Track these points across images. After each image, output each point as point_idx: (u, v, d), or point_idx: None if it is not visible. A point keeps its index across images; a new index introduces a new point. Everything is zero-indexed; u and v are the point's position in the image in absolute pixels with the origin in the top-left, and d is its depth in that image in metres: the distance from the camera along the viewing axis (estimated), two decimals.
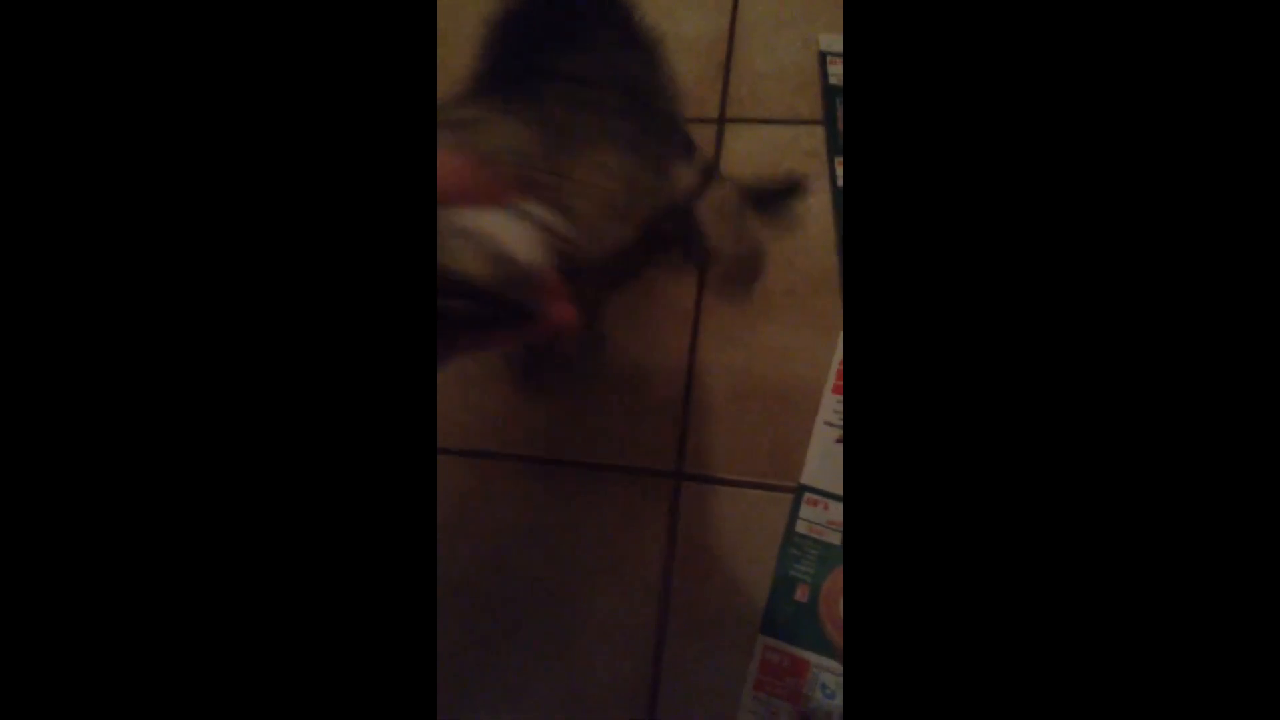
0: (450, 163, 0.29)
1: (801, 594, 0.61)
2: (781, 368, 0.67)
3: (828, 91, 0.74)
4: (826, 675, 0.59)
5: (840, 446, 0.64)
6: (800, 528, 0.62)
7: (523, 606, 0.64)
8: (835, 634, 0.59)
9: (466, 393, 0.70)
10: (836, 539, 0.62)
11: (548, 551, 0.66)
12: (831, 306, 0.68)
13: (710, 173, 0.57)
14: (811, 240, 0.70)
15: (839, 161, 0.72)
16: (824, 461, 0.64)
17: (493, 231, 0.29)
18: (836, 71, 0.75)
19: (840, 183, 0.71)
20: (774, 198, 0.70)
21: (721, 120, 0.76)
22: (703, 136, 0.75)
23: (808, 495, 0.63)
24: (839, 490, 0.63)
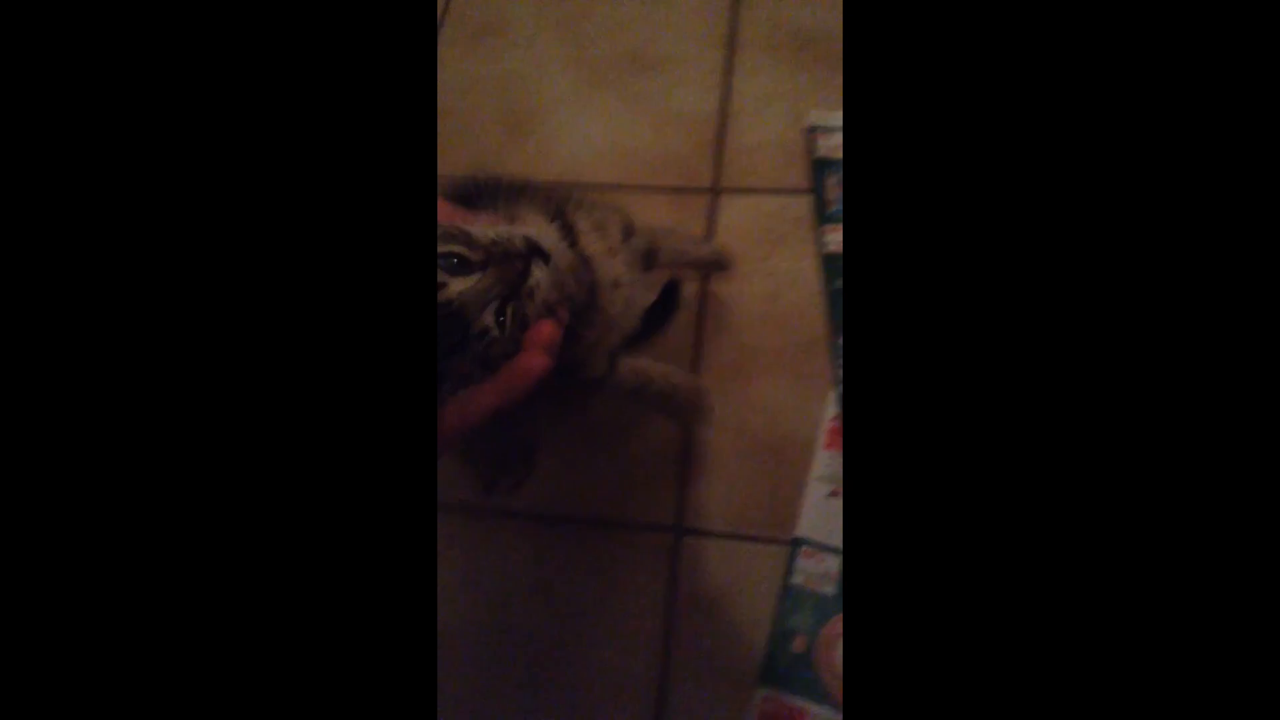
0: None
1: (799, 645, 0.63)
2: (775, 425, 0.70)
3: (815, 164, 0.79)
4: None
5: (833, 501, 0.67)
6: (796, 580, 0.65)
7: (525, 659, 0.66)
8: (832, 683, 0.61)
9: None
10: (832, 590, 0.64)
11: (550, 605, 0.67)
12: (821, 366, 0.71)
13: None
14: (801, 303, 0.74)
15: (826, 229, 0.76)
16: (818, 515, 0.66)
17: None
18: (824, 144, 0.80)
19: (827, 249, 0.75)
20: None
21: (715, 190, 0.81)
22: (697, 206, 0.80)
23: (803, 548, 0.65)
24: (834, 543, 0.65)
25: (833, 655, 0.62)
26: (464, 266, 0.36)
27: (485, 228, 0.38)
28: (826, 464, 0.68)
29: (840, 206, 0.77)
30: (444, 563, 0.69)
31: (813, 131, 0.80)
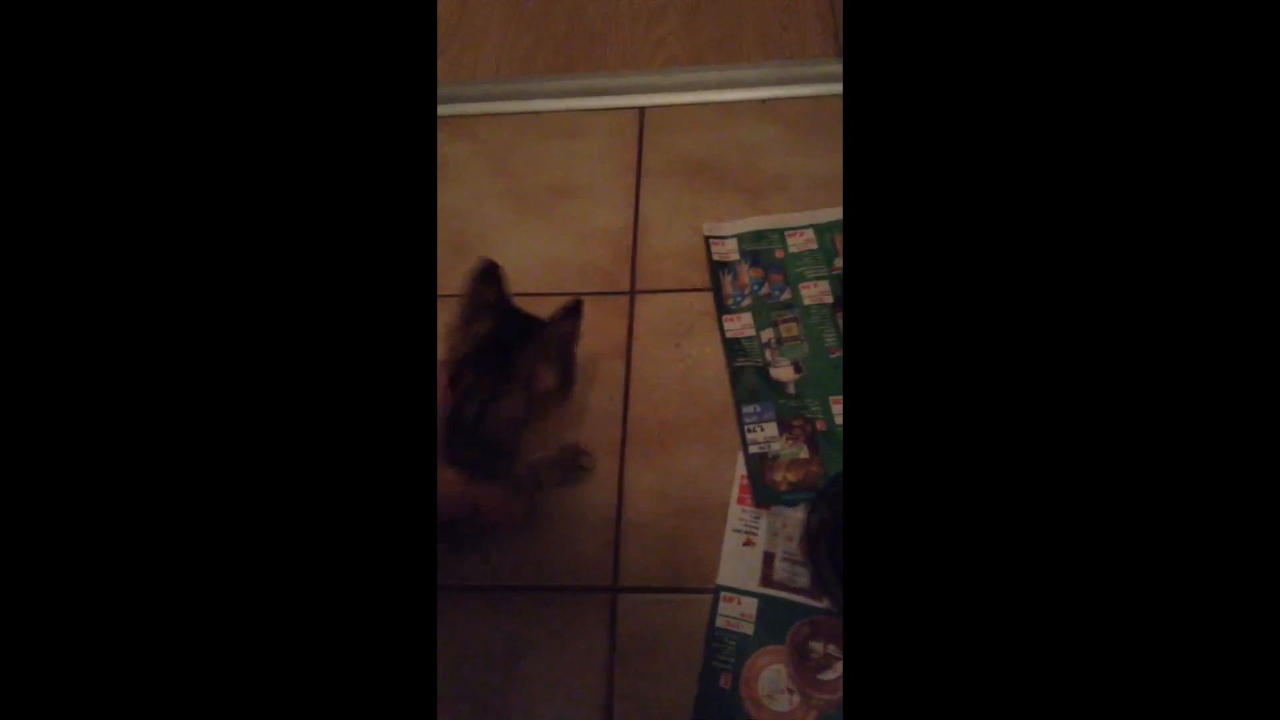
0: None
1: (725, 681, 0.70)
2: (693, 486, 0.80)
3: (713, 265, 0.94)
4: None
5: (746, 550, 0.76)
6: (720, 623, 0.73)
7: (478, 718, 0.71)
8: (757, 713, 0.68)
9: None
10: (750, 629, 0.72)
11: (502, 668, 0.74)
12: (730, 433, 0.83)
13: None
14: (709, 380, 0.87)
15: (726, 318, 0.90)
16: (735, 563, 0.76)
17: None
18: (718, 250, 0.95)
19: (727, 335, 0.89)
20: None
21: (632, 292, 0.95)
22: (619, 306, 0.93)
23: (723, 594, 0.74)
24: (749, 587, 0.74)
25: (754, 688, 0.69)
26: None
27: None
28: (739, 517, 0.78)
29: (736, 300, 0.91)
30: None
31: (709, 240, 0.96)
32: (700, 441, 0.83)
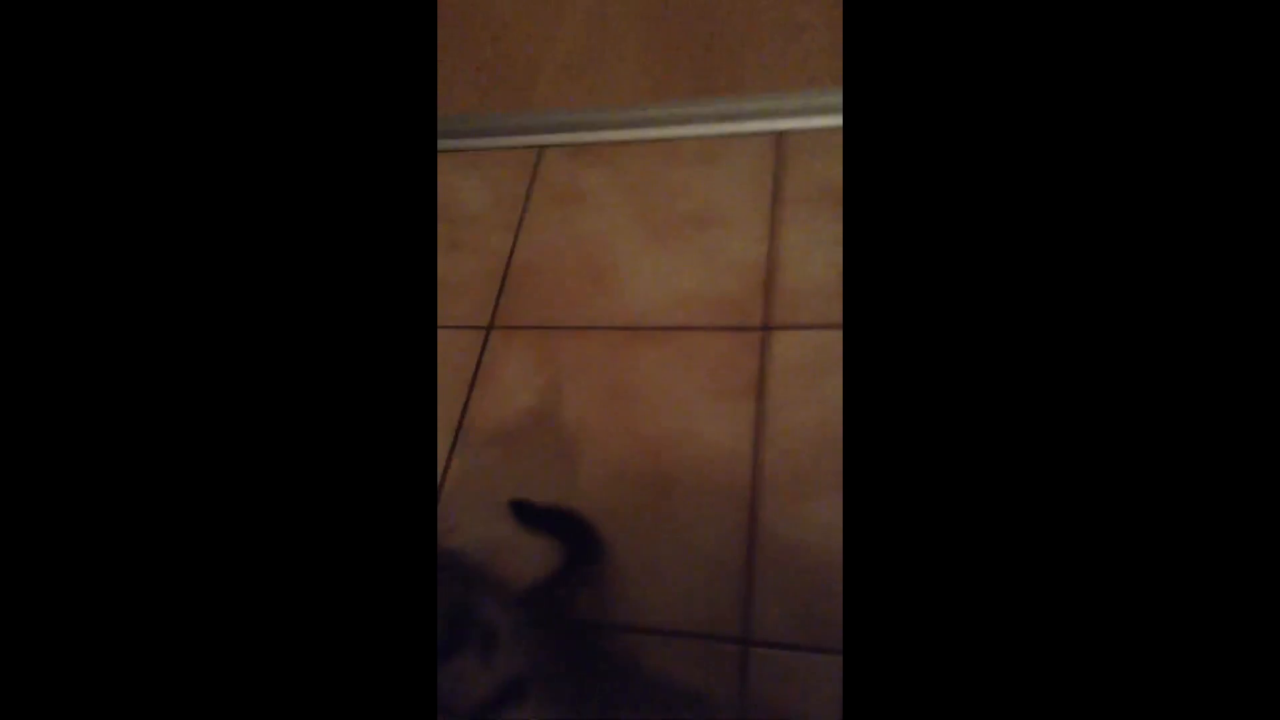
0: None
1: None
2: (831, 540, 0.77)
3: None
4: None
5: None
6: None
7: None
8: None
9: None
10: None
11: None
12: None
13: None
14: None
15: None
16: None
17: None
18: None
19: None
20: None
21: (766, 328, 0.92)
22: (751, 341, 0.91)
23: None
24: None
25: None
26: None
27: None
28: None
29: None
30: None
31: None
32: (840, 491, 0.79)
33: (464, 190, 1.15)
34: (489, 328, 1.00)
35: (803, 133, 1.06)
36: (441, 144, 1.20)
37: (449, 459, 0.91)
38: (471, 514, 0.86)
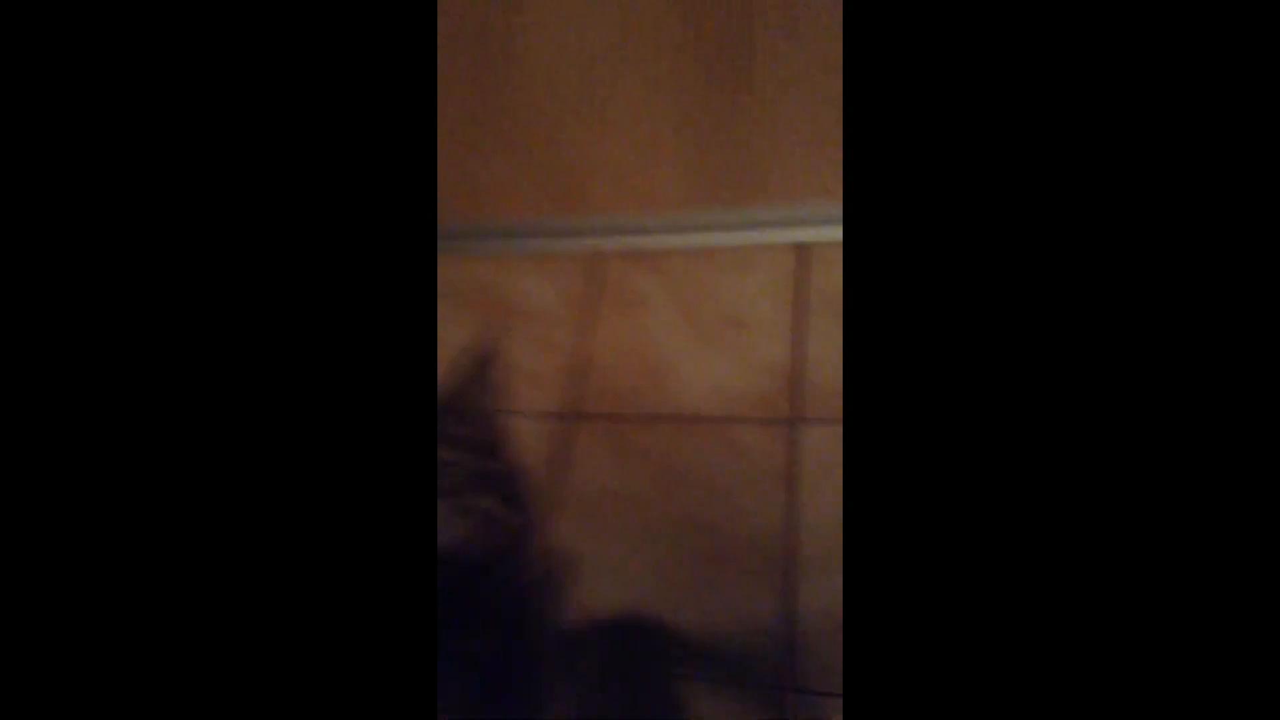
0: None
1: None
2: None
3: None
4: None
5: None
6: None
7: None
8: None
9: None
10: None
11: None
12: None
13: None
14: None
15: None
16: None
17: None
18: None
19: None
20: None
21: (792, 421, 1.11)
22: (780, 433, 1.10)
23: None
24: None
25: None
26: None
27: None
28: None
29: None
30: None
31: None
32: None
33: (534, 292, 1.36)
34: (565, 415, 1.21)
35: (822, 245, 1.24)
36: (506, 245, 1.40)
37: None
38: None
